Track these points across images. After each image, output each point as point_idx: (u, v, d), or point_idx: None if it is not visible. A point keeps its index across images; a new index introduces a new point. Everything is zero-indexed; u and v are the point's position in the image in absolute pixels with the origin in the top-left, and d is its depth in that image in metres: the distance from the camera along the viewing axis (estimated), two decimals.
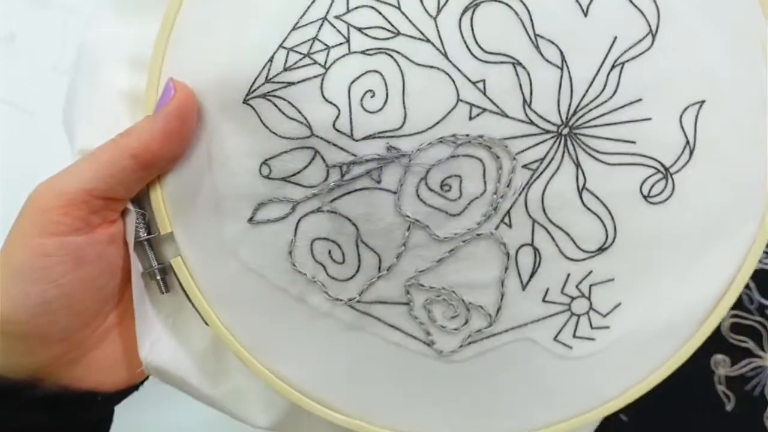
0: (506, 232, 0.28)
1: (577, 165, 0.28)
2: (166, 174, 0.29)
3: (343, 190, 0.28)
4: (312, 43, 0.27)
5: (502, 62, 0.27)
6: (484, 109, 0.27)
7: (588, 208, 0.28)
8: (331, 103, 0.27)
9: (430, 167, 0.27)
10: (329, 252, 0.28)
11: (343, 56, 0.27)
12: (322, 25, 0.27)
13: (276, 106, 0.27)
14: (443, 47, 0.27)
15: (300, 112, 0.27)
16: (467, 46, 0.27)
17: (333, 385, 0.30)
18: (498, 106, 0.27)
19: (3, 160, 0.48)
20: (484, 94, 0.27)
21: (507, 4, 0.27)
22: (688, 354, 0.30)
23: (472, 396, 0.30)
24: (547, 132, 0.27)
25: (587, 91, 0.27)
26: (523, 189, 0.28)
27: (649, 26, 0.27)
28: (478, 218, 0.28)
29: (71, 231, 0.26)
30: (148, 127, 0.27)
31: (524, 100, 0.27)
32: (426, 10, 0.27)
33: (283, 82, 0.27)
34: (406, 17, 0.27)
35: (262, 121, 0.27)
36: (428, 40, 0.27)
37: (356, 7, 0.27)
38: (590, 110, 0.27)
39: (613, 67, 0.27)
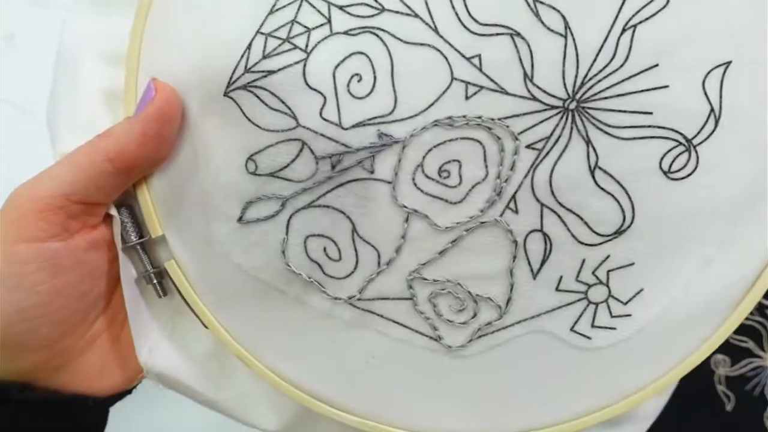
0: (512, 219, 0.26)
1: (588, 142, 0.25)
2: (153, 175, 0.27)
3: (334, 182, 0.25)
4: (291, 26, 0.25)
5: (498, 34, 0.24)
6: (482, 87, 0.24)
7: (602, 188, 0.25)
8: (315, 90, 0.25)
9: (426, 153, 0.25)
10: (324, 249, 0.26)
11: (325, 38, 0.25)
12: (300, 5, 0.25)
13: (258, 97, 0.25)
14: (433, 22, 0.24)
15: (283, 102, 0.25)
16: (459, 19, 0.24)
17: (339, 385, 0.29)
18: (496, 83, 0.24)
19: (3, 160, 0.47)
20: (481, 70, 0.24)
21: None
22: (717, 343, 0.27)
23: (485, 392, 0.28)
24: (553, 108, 0.25)
25: (595, 59, 0.24)
26: (529, 171, 0.25)
27: None
28: (481, 205, 0.25)
29: (48, 237, 0.25)
30: (126, 130, 0.25)
31: (525, 75, 0.24)
32: None
33: (263, 71, 0.25)
34: None
35: (244, 114, 0.25)
36: (416, 15, 0.24)
37: None
38: (599, 81, 0.24)
39: (623, 30, 0.24)
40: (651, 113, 0.25)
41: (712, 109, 0.25)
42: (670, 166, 0.25)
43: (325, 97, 0.25)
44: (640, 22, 0.24)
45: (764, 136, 0.25)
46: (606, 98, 0.25)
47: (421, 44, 0.24)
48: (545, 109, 0.25)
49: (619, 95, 0.25)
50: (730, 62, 0.24)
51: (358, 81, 0.25)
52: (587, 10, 0.24)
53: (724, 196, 0.25)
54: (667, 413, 0.30)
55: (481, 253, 0.26)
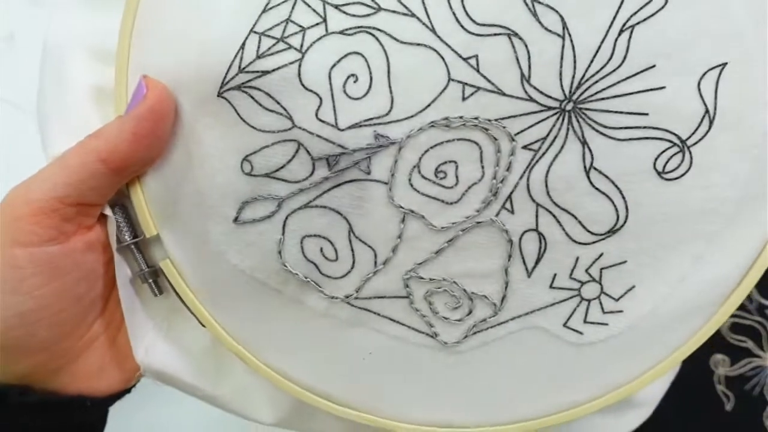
0: (508, 219, 0.25)
1: (584, 143, 0.25)
2: (146, 175, 0.26)
3: (330, 183, 0.25)
4: (285, 25, 0.24)
5: (496, 34, 0.24)
6: (478, 88, 0.24)
7: (597, 189, 0.25)
8: (311, 91, 0.24)
9: (423, 154, 0.25)
10: (321, 249, 0.26)
11: (321, 38, 0.24)
12: (295, 3, 0.24)
13: (252, 97, 0.24)
14: (430, 21, 0.24)
15: (279, 103, 0.24)
16: (457, 19, 0.23)
17: (337, 381, 0.29)
18: (493, 84, 0.24)
19: (3, 160, 0.46)
20: (478, 70, 0.24)
21: None
22: (706, 337, 0.28)
23: (480, 386, 0.28)
24: (549, 108, 0.24)
25: (592, 60, 0.24)
26: (525, 171, 0.25)
27: None
28: (477, 205, 0.25)
29: (43, 241, 0.24)
30: (118, 129, 0.24)
31: (522, 75, 0.24)
32: None
33: (257, 71, 0.24)
34: None
35: (239, 114, 0.25)
36: (413, 14, 0.24)
37: None
38: (596, 82, 0.24)
39: (621, 31, 0.24)
40: (647, 114, 0.24)
41: (707, 111, 0.24)
42: (664, 166, 0.25)
43: (320, 98, 0.24)
44: (638, 23, 0.24)
45: (757, 138, 0.25)
46: (602, 99, 0.24)
47: (418, 44, 0.24)
48: (542, 110, 0.24)
49: (615, 96, 0.24)
50: (725, 64, 0.24)
51: (354, 81, 0.24)
52: (585, 10, 0.23)
53: (717, 196, 0.25)
54: (667, 413, 0.30)
55: (476, 253, 0.26)
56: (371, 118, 0.24)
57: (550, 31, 0.23)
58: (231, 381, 0.30)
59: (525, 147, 0.25)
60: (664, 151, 0.25)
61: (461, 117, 0.24)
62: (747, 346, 0.37)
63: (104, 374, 0.28)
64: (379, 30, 0.24)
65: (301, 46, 0.24)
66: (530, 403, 0.29)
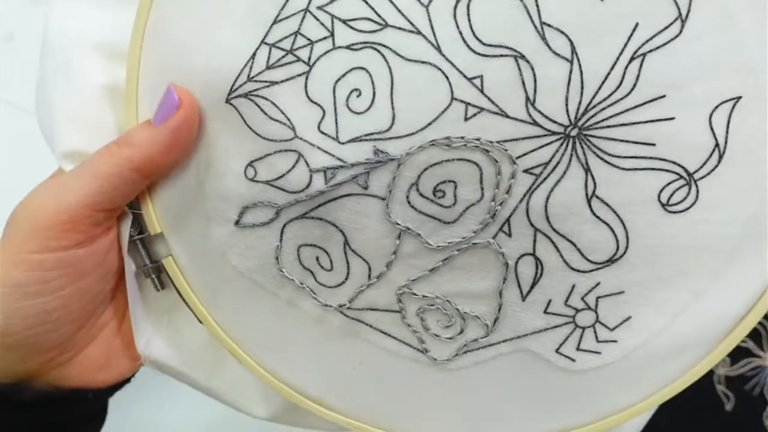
0: (505, 242, 0.25)
1: (587, 170, 0.24)
2: None
3: (327, 196, 0.25)
4: (294, 38, 0.24)
5: (502, 55, 0.23)
6: (482, 109, 0.23)
7: (598, 217, 0.24)
8: (315, 103, 0.24)
9: (422, 172, 0.24)
10: (317, 258, 0.26)
11: (328, 52, 0.24)
12: (304, 17, 0.24)
13: (258, 106, 0.24)
14: (436, 40, 0.23)
15: (283, 113, 0.24)
16: (463, 38, 0.23)
17: (327, 386, 0.28)
18: (497, 105, 0.23)
19: (3, 160, 0.47)
20: (482, 91, 0.23)
21: None
22: (700, 373, 0.27)
23: (467, 405, 0.28)
24: (553, 133, 0.24)
25: (600, 87, 0.23)
26: (525, 196, 0.24)
27: (679, 10, 0.22)
28: (474, 226, 0.25)
29: (73, 245, 0.25)
30: (152, 139, 0.25)
31: (527, 98, 0.23)
32: None
33: (265, 81, 0.24)
34: (395, 6, 0.23)
35: (245, 121, 0.25)
36: (419, 32, 0.23)
37: None
38: (603, 109, 0.23)
39: (632, 59, 0.23)
40: (654, 145, 0.23)
41: (717, 145, 0.23)
42: (669, 198, 0.24)
43: (324, 111, 0.24)
44: (650, 51, 0.23)
45: (764, 172, 0.24)
46: (609, 127, 0.23)
47: (423, 62, 0.23)
48: (545, 135, 0.24)
49: (622, 125, 0.23)
50: (740, 98, 0.23)
51: (358, 96, 0.24)
52: (596, 35, 0.22)
53: (721, 232, 0.24)
54: (667, 413, 0.29)
55: (471, 273, 0.25)
56: (372, 133, 0.24)
57: (558, 55, 0.23)
58: (226, 374, 0.30)
59: (526, 171, 0.24)
60: (669, 183, 0.24)
61: (462, 137, 0.24)
62: (747, 346, 0.36)
63: (107, 365, 0.28)
64: (384, 46, 0.23)
65: (309, 59, 0.24)
66: (517, 426, 0.28)
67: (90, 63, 0.27)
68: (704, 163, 0.23)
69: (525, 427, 0.28)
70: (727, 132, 0.23)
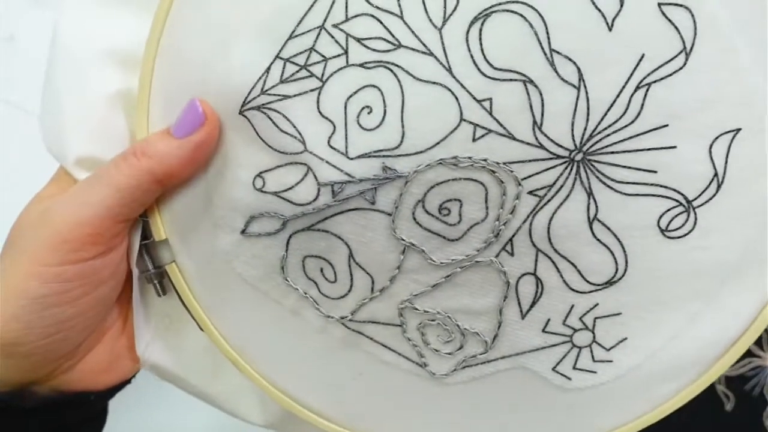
0: (507, 260, 0.25)
1: (590, 194, 0.24)
2: None
3: (334, 210, 0.25)
4: (309, 53, 0.24)
5: (511, 80, 0.23)
6: (490, 130, 0.24)
7: (598, 240, 0.25)
8: (326, 118, 0.24)
9: (428, 190, 0.24)
10: (321, 270, 0.26)
11: (341, 69, 0.24)
12: (319, 34, 0.24)
13: (270, 118, 0.25)
14: (447, 61, 0.23)
15: (294, 127, 0.25)
16: (474, 61, 0.23)
17: (325, 396, 0.29)
18: (505, 128, 0.24)
19: (3, 160, 0.46)
20: (490, 113, 0.24)
21: (521, 15, 0.23)
22: (693, 395, 0.27)
23: (464, 419, 0.28)
24: (558, 157, 0.24)
25: (606, 114, 0.23)
26: (528, 216, 0.25)
27: (684, 44, 0.23)
28: (477, 245, 0.25)
29: (92, 257, 0.25)
30: (174, 152, 0.24)
31: (534, 122, 0.24)
32: (431, 21, 0.23)
33: (279, 95, 0.24)
34: (409, 28, 0.23)
35: (257, 133, 0.25)
36: (431, 54, 0.24)
37: (356, 15, 0.24)
38: (608, 135, 0.24)
39: (637, 88, 0.23)
40: (656, 172, 0.24)
41: (716, 174, 0.24)
42: (668, 225, 0.24)
43: (334, 126, 0.24)
44: (655, 82, 0.23)
45: (762, 202, 0.24)
46: (613, 153, 0.24)
47: (434, 83, 0.23)
48: (551, 158, 0.24)
49: (626, 151, 0.24)
50: (739, 130, 0.23)
51: (368, 113, 0.24)
52: (603, 65, 0.23)
53: (718, 258, 0.25)
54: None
55: (472, 290, 0.25)
56: (381, 150, 0.24)
57: (566, 81, 0.23)
58: (225, 381, 0.30)
59: (531, 192, 0.24)
60: (669, 210, 0.24)
61: (470, 157, 0.24)
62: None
63: (109, 368, 0.28)
64: (397, 66, 0.24)
65: (322, 75, 0.24)
66: None
67: (102, 69, 0.27)
68: (703, 192, 0.24)
69: None
70: (726, 162, 0.24)
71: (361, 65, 0.24)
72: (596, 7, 0.23)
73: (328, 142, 0.24)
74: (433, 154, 0.24)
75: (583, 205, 0.24)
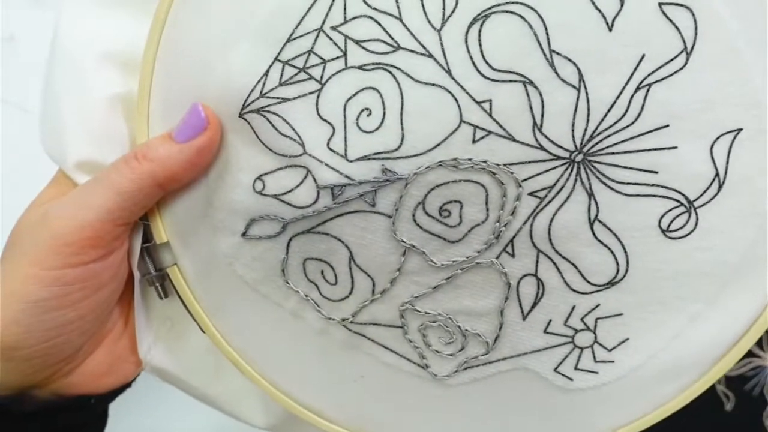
0: (508, 262, 0.25)
1: (590, 194, 0.24)
2: None
3: (334, 212, 0.25)
4: (308, 56, 0.24)
5: (511, 81, 0.23)
6: (489, 132, 0.24)
7: (599, 240, 0.24)
8: (325, 121, 0.24)
9: (429, 192, 0.24)
10: (322, 272, 0.26)
11: (340, 71, 0.24)
12: (318, 36, 0.24)
13: (269, 121, 0.24)
14: (447, 63, 0.23)
15: (294, 129, 0.24)
16: (473, 63, 0.23)
17: (327, 398, 0.29)
18: (505, 129, 0.24)
19: (3, 160, 0.46)
20: (490, 115, 0.23)
21: (520, 16, 0.23)
22: (694, 395, 0.27)
23: (466, 420, 0.28)
24: (559, 158, 0.24)
25: (606, 114, 0.23)
26: (529, 218, 0.24)
27: (684, 43, 0.23)
28: (478, 246, 0.25)
29: (92, 260, 0.25)
30: (176, 156, 0.24)
31: (534, 123, 0.23)
32: (429, 22, 0.23)
33: (278, 98, 0.24)
34: (408, 30, 0.23)
35: (257, 135, 0.25)
36: (430, 55, 0.23)
37: (354, 17, 0.23)
38: (608, 136, 0.23)
39: (637, 89, 0.23)
40: (656, 172, 0.24)
41: (717, 174, 0.24)
42: (669, 225, 0.24)
43: (333, 128, 0.24)
44: (655, 82, 0.23)
45: (763, 202, 0.24)
46: (613, 154, 0.24)
47: (433, 84, 0.23)
48: (551, 159, 0.24)
49: (626, 152, 0.24)
50: (740, 130, 0.23)
51: (368, 115, 0.24)
52: (603, 65, 0.23)
53: (719, 259, 0.25)
54: None
55: (474, 292, 0.25)
56: (380, 152, 0.24)
57: (566, 82, 0.23)
58: (227, 383, 0.30)
59: (531, 194, 0.24)
60: (670, 210, 0.24)
61: (470, 159, 0.24)
62: None
63: (109, 372, 0.28)
64: (396, 68, 0.23)
65: (321, 77, 0.24)
66: None
67: (102, 72, 0.27)
68: (704, 192, 0.24)
69: None
70: (727, 162, 0.23)
71: (360, 67, 0.24)
72: (596, 7, 0.22)
73: (328, 144, 0.24)
74: (432, 156, 0.24)
75: (584, 206, 0.24)
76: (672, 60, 0.23)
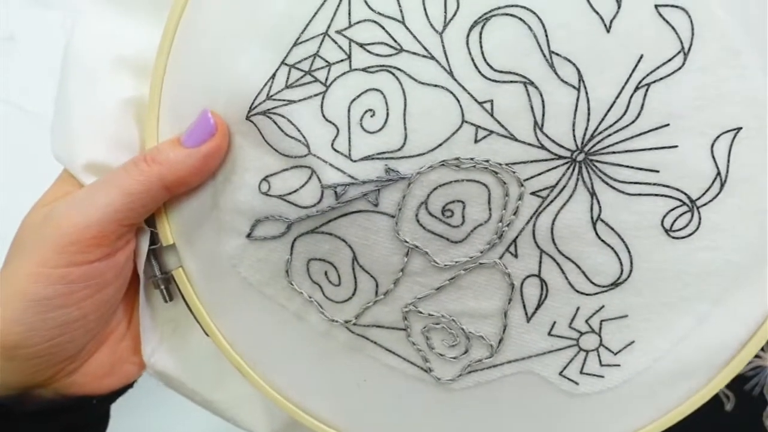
0: (511, 262, 0.25)
1: (592, 194, 0.24)
2: None
3: (338, 212, 0.25)
4: (313, 59, 0.25)
5: (512, 81, 0.23)
6: (491, 132, 0.24)
7: (602, 241, 0.24)
8: (330, 122, 0.25)
9: (431, 191, 0.25)
10: (325, 273, 0.26)
11: (344, 74, 0.24)
12: (323, 40, 0.24)
13: (276, 123, 0.25)
14: (449, 65, 0.24)
15: (299, 131, 0.25)
16: (475, 64, 0.24)
17: (330, 402, 0.28)
18: (506, 129, 0.24)
19: (3, 159, 0.46)
20: (492, 115, 0.24)
21: (520, 19, 0.23)
22: (703, 400, 0.26)
23: (470, 425, 0.27)
24: (560, 158, 0.24)
25: (606, 114, 0.24)
26: (532, 217, 0.24)
27: (681, 44, 0.23)
28: (481, 246, 0.25)
29: (97, 259, 0.25)
30: (185, 161, 0.25)
31: (535, 123, 0.24)
32: (432, 26, 0.24)
33: (284, 100, 0.25)
34: (410, 32, 0.24)
35: (263, 137, 0.25)
36: (433, 57, 0.24)
37: (358, 22, 0.24)
38: (609, 135, 0.24)
39: (636, 88, 0.23)
40: (658, 171, 0.24)
41: (719, 173, 0.24)
42: (672, 224, 0.24)
43: (338, 129, 0.24)
44: (654, 82, 0.23)
45: (766, 200, 0.24)
46: (614, 153, 0.24)
47: (435, 86, 0.24)
48: (553, 159, 0.24)
49: (627, 151, 0.24)
50: (740, 128, 0.23)
51: (371, 116, 0.24)
52: (602, 66, 0.23)
53: (724, 258, 0.24)
54: None
55: (477, 293, 0.25)
56: (384, 152, 0.24)
57: (565, 82, 0.23)
58: (229, 389, 0.30)
59: (533, 193, 0.24)
60: (673, 209, 0.24)
61: (472, 159, 0.24)
62: None
63: (111, 372, 0.28)
64: (399, 70, 0.24)
65: (326, 80, 0.24)
66: None
67: (114, 76, 0.28)
68: (707, 191, 0.24)
69: None
70: (728, 161, 0.24)
71: (364, 70, 0.24)
72: (594, 9, 0.23)
73: (332, 145, 0.25)
74: (435, 156, 0.24)
75: (586, 206, 0.24)
76: (670, 60, 0.23)
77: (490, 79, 0.23)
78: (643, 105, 0.23)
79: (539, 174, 0.24)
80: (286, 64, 0.25)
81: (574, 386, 0.26)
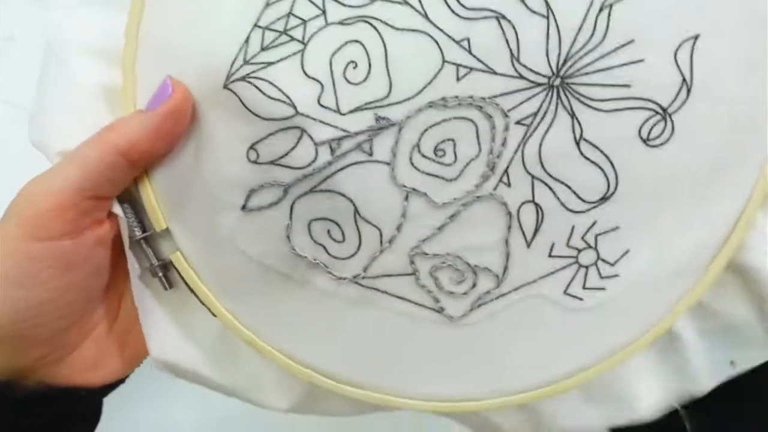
0: (506, 192, 0.26)
1: (572, 115, 0.25)
2: (154, 169, 0.27)
3: (335, 167, 0.25)
4: (287, 18, 0.25)
5: (485, 17, 0.24)
6: (471, 68, 0.25)
7: (587, 158, 0.26)
8: (313, 79, 0.25)
9: (422, 133, 0.25)
10: (328, 231, 0.26)
11: (321, 29, 0.24)
12: None
13: (257, 87, 0.25)
14: (423, 8, 0.24)
15: (282, 92, 0.25)
16: (448, 4, 0.24)
17: (346, 360, 0.29)
18: (485, 64, 0.25)
19: (3, 159, 0.45)
20: (470, 52, 0.25)
21: None
22: (701, 293, 0.28)
23: (487, 357, 0.28)
24: (539, 85, 0.25)
25: (576, 38, 0.25)
26: (519, 146, 0.26)
27: None
28: (475, 180, 0.26)
29: (60, 235, 0.24)
30: (138, 124, 0.25)
31: (511, 55, 0.25)
32: None
33: (262, 63, 0.25)
34: None
35: (244, 104, 0.25)
36: (406, 3, 0.24)
37: None
38: (580, 58, 0.25)
39: (601, 9, 0.24)
40: (629, 86, 0.25)
41: (684, 80, 0.25)
42: (649, 133, 0.26)
43: (322, 85, 0.25)
44: (616, 2, 0.25)
45: (733, 101, 0.26)
46: (587, 74, 0.25)
47: (413, 30, 0.24)
48: (532, 87, 0.25)
49: (599, 70, 0.25)
50: (698, 35, 0.25)
51: (354, 68, 0.25)
52: None
53: (699, 160, 0.26)
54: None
55: (477, 226, 0.26)
56: (371, 102, 0.25)
57: (535, 12, 0.24)
58: (242, 370, 0.30)
59: (518, 122, 0.25)
60: (647, 120, 0.26)
61: (457, 96, 0.25)
62: None
63: (101, 364, 0.28)
64: (375, 19, 0.24)
65: (303, 37, 0.24)
66: (538, 372, 0.29)
67: (88, 64, 0.27)
68: (675, 98, 0.25)
69: (546, 373, 0.29)
70: (691, 68, 0.25)
71: (341, 23, 0.24)
72: None
73: (318, 101, 0.25)
74: (421, 99, 0.25)
75: (568, 127, 0.25)
76: None
77: (464, 18, 0.24)
78: (608, 25, 0.25)
79: (521, 103, 0.25)
80: (259, 27, 0.25)
81: (579, 302, 0.27)
